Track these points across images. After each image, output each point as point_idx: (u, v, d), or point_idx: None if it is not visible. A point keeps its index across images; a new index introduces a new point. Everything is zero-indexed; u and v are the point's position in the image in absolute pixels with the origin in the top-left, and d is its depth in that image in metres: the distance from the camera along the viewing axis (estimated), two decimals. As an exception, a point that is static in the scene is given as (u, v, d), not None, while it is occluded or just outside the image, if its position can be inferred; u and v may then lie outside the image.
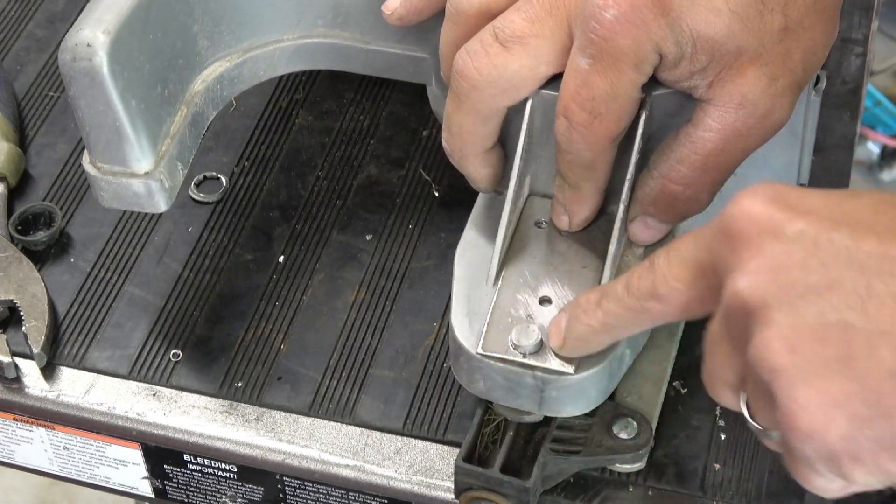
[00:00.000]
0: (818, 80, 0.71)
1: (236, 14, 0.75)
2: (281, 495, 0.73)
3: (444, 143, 0.68)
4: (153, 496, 0.77)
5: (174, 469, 0.74)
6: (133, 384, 0.74)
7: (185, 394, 0.74)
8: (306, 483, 0.72)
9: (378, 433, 0.71)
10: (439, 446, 0.71)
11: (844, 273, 0.50)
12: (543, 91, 0.65)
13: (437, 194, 0.82)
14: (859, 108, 0.86)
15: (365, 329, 0.76)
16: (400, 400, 0.73)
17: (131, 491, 0.77)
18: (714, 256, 0.54)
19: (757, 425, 0.55)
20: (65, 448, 0.76)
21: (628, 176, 0.65)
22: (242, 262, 0.79)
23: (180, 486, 0.75)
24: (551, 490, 0.68)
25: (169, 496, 0.76)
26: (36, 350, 0.74)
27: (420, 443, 0.71)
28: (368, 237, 0.80)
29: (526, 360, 0.63)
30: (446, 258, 0.78)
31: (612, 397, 0.67)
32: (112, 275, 0.79)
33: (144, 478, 0.76)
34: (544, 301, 0.65)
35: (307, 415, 0.72)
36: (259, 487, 0.73)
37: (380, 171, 0.84)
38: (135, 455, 0.74)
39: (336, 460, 0.71)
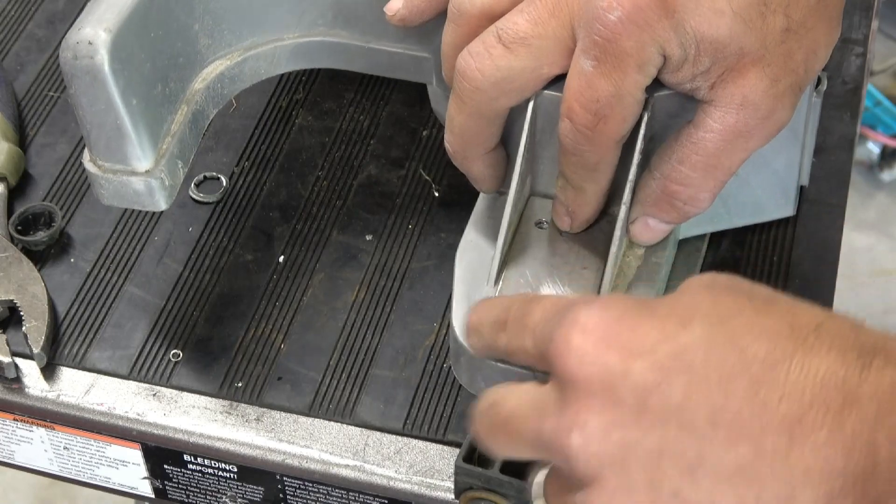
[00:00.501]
0: (819, 81, 0.71)
1: (237, 12, 0.75)
2: (281, 495, 0.73)
3: (446, 144, 0.68)
4: (153, 496, 0.77)
5: (174, 469, 0.74)
6: (133, 384, 0.74)
7: (185, 394, 0.74)
8: (306, 483, 0.72)
9: (378, 433, 0.71)
10: (439, 446, 0.71)
11: (677, 437, 0.50)
12: (546, 91, 0.65)
13: (437, 194, 0.82)
14: (859, 108, 0.86)
15: (365, 329, 0.76)
16: (400, 400, 0.73)
17: (131, 491, 0.77)
18: (546, 399, 0.53)
19: None
20: (65, 448, 0.76)
21: (630, 177, 0.65)
22: (242, 263, 0.79)
23: (180, 486, 0.75)
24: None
25: (169, 496, 0.76)
26: (36, 350, 0.74)
27: (420, 443, 0.71)
28: (368, 237, 0.80)
29: None
30: (446, 258, 0.78)
31: None
32: (112, 275, 0.79)
33: (144, 478, 0.76)
34: None
35: (307, 415, 0.72)
36: (259, 487, 0.73)
37: (380, 171, 0.84)
38: (135, 455, 0.74)
39: (336, 460, 0.71)
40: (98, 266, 0.79)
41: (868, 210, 2.04)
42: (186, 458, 0.73)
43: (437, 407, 0.72)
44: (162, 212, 0.77)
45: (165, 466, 0.74)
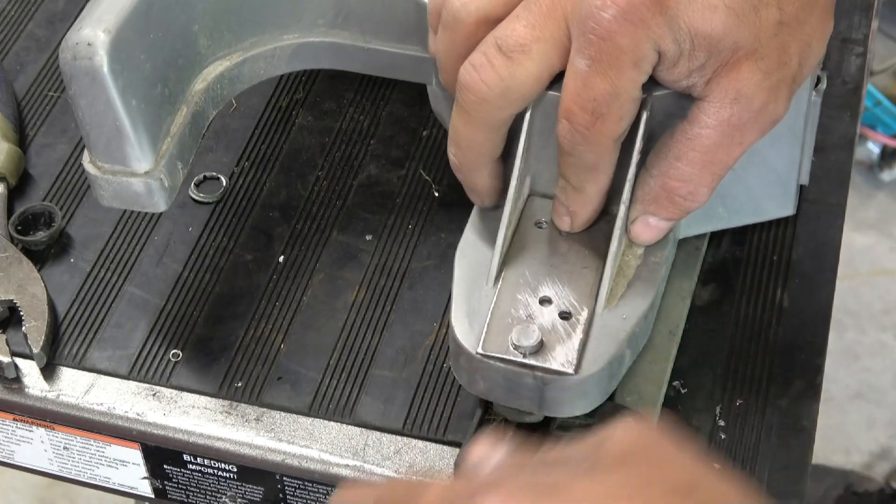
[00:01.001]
0: (819, 80, 0.71)
1: (237, 13, 0.75)
2: (281, 495, 0.73)
3: (451, 157, 0.68)
4: (153, 496, 0.77)
5: (174, 469, 0.74)
6: (133, 384, 0.74)
7: (185, 394, 0.74)
8: (306, 483, 0.72)
9: (378, 433, 0.71)
10: (439, 446, 0.71)
11: None
12: (544, 91, 0.65)
13: (437, 194, 0.82)
14: (859, 108, 0.86)
15: (365, 329, 0.76)
16: (400, 400, 0.73)
17: (131, 491, 0.77)
18: None
19: None
20: (65, 448, 0.76)
21: (629, 176, 0.65)
22: (242, 262, 0.79)
23: (180, 486, 0.75)
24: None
25: (169, 496, 0.76)
26: (36, 350, 0.74)
27: (420, 443, 0.71)
28: (368, 237, 0.80)
29: (526, 361, 0.63)
30: (446, 258, 0.78)
31: (611, 397, 0.67)
32: (112, 275, 0.79)
33: (144, 478, 0.76)
34: (545, 301, 0.65)
35: (307, 415, 0.72)
36: (259, 487, 0.73)
37: (380, 171, 0.84)
38: (135, 455, 0.74)
39: (336, 460, 0.71)
40: (98, 266, 0.79)
41: (868, 210, 2.04)
42: (186, 458, 0.73)
43: (436, 407, 0.72)
44: (162, 212, 0.77)
45: (165, 466, 0.74)
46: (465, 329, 0.65)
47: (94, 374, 0.75)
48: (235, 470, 0.73)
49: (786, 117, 0.64)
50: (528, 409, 0.65)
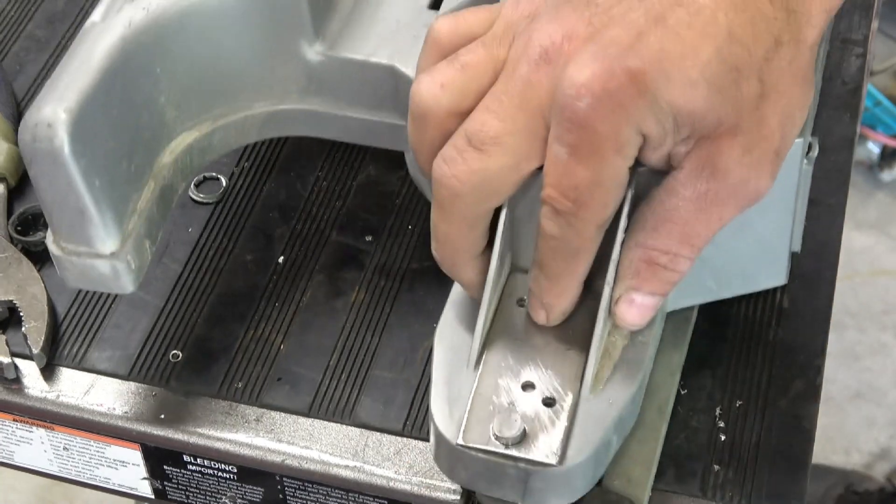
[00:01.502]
0: (810, 148, 0.68)
1: (206, 83, 0.72)
2: (281, 496, 0.73)
3: (433, 252, 0.65)
4: (153, 497, 0.77)
5: (174, 470, 0.74)
6: (133, 385, 0.74)
7: (184, 394, 0.73)
8: (306, 484, 0.72)
9: (378, 434, 0.71)
10: (439, 447, 0.71)
11: None
12: None
13: (436, 195, 0.82)
14: (859, 108, 0.86)
15: (365, 330, 0.76)
16: (400, 401, 0.73)
17: (131, 492, 0.77)
18: None
19: None
20: (64, 449, 0.76)
21: (613, 255, 0.62)
22: (242, 263, 0.79)
23: (180, 486, 0.75)
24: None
25: (169, 497, 0.76)
26: (35, 351, 0.74)
27: (420, 443, 0.71)
28: (368, 238, 0.80)
29: (508, 452, 0.61)
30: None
31: (599, 482, 0.65)
32: (112, 275, 0.79)
33: (144, 478, 0.76)
34: (527, 386, 0.63)
35: (307, 415, 0.72)
36: (259, 488, 0.73)
37: (380, 171, 0.83)
38: (134, 456, 0.74)
39: (336, 461, 0.71)
40: (98, 266, 0.79)
41: (868, 210, 2.04)
42: (186, 458, 0.73)
43: (436, 407, 0.72)
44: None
45: (165, 467, 0.74)
46: (446, 417, 0.62)
47: (94, 375, 0.75)
48: (235, 470, 0.73)
49: (777, 188, 0.62)
50: (512, 499, 0.63)
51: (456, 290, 0.68)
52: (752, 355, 0.74)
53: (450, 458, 0.63)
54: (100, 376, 0.75)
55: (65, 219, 0.66)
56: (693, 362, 0.73)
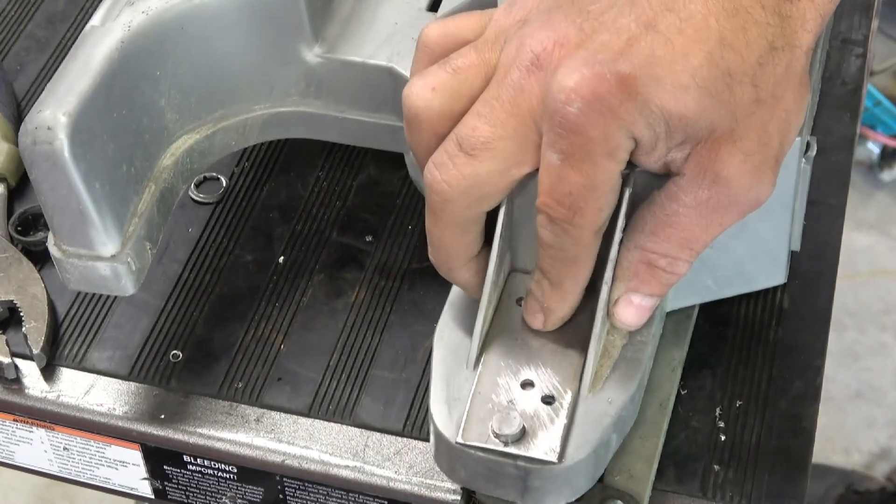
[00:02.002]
0: (808, 147, 0.68)
1: (206, 85, 0.73)
2: (281, 496, 0.73)
3: (430, 257, 0.66)
4: (153, 497, 0.77)
5: (174, 470, 0.74)
6: (133, 385, 0.74)
7: (184, 395, 0.73)
8: (306, 484, 0.72)
9: (378, 434, 0.71)
10: (439, 447, 0.71)
11: None
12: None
13: (437, 195, 0.82)
14: (859, 108, 0.86)
15: (365, 330, 0.76)
16: (400, 401, 0.73)
17: (131, 492, 0.77)
18: None
19: None
20: (65, 449, 0.76)
21: (611, 255, 0.62)
22: (242, 263, 0.79)
23: (180, 486, 0.75)
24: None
25: (169, 497, 0.76)
26: (36, 351, 0.74)
27: (420, 444, 0.71)
28: (368, 238, 0.80)
29: (508, 450, 0.61)
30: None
31: (600, 479, 0.65)
32: (112, 275, 0.79)
33: (144, 478, 0.76)
34: (526, 385, 0.63)
35: (307, 416, 0.72)
36: (259, 488, 0.73)
37: (380, 171, 0.83)
38: (135, 456, 0.74)
39: (336, 461, 0.71)
40: (98, 266, 0.79)
41: (868, 210, 2.04)
42: (186, 458, 0.73)
43: (436, 407, 0.72)
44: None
45: (165, 467, 0.74)
46: (445, 416, 0.63)
47: (94, 375, 0.75)
48: (235, 471, 0.73)
49: (776, 188, 0.62)
50: (512, 498, 0.63)
51: (455, 291, 0.68)
52: (752, 355, 0.74)
53: (449, 457, 0.63)
54: (100, 376, 0.75)
55: (65, 221, 0.66)
56: (693, 362, 0.73)
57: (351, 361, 0.74)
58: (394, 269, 0.78)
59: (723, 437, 0.71)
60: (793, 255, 0.75)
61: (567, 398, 0.63)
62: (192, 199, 0.82)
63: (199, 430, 0.72)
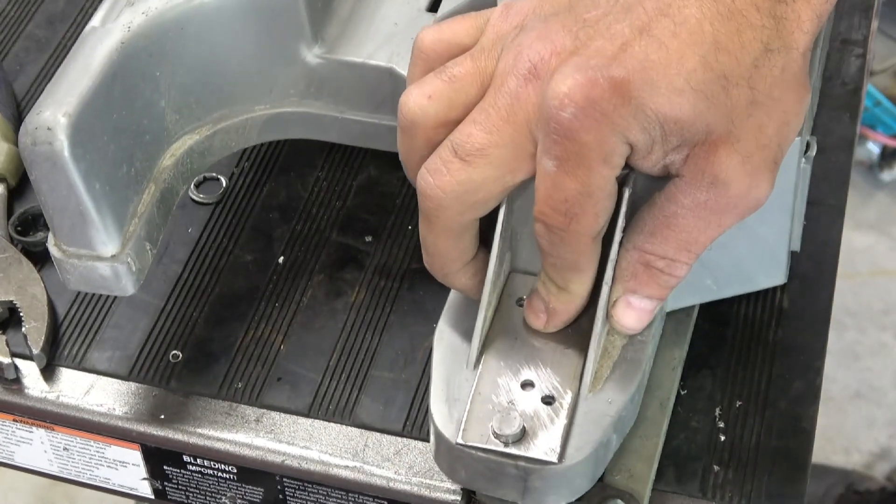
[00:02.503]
0: (808, 147, 0.68)
1: (206, 86, 0.73)
2: (280, 496, 0.73)
3: (425, 264, 0.66)
4: (153, 497, 0.77)
5: (174, 470, 0.74)
6: (133, 385, 0.74)
7: (184, 395, 0.74)
8: (306, 484, 0.72)
9: (378, 434, 0.71)
10: (439, 447, 0.71)
11: None
12: None
13: (436, 195, 0.82)
14: (859, 108, 0.86)
15: (365, 330, 0.76)
16: (400, 401, 0.73)
17: (131, 492, 0.77)
18: None
19: None
20: (64, 449, 0.76)
21: (611, 256, 0.62)
22: (242, 263, 0.79)
23: (180, 486, 0.75)
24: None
25: (169, 497, 0.76)
26: (36, 351, 0.74)
27: (420, 444, 0.71)
28: (368, 238, 0.80)
29: (508, 450, 0.61)
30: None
31: (600, 478, 0.65)
32: (112, 275, 0.79)
33: (144, 479, 0.76)
34: (526, 385, 0.63)
35: (307, 416, 0.72)
36: (259, 488, 0.73)
37: (380, 171, 0.83)
38: (134, 456, 0.74)
39: (336, 461, 0.71)
40: (98, 267, 0.79)
41: (868, 210, 2.04)
42: (186, 458, 0.73)
43: (436, 408, 0.72)
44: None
45: (165, 467, 0.74)
46: (445, 417, 0.63)
47: (94, 375, 0.75)
48: (235, 471, 0.73)
49: (776, 188, 0.62)
50: (512, 499, 0.63)
51: (455, 291, 0.68)
52: (752, 355, 0.74)
53: (450, 457, 0.63)
54: (100, 377, 0.75)
55: (65, 222, 0.66)
56: (693, 362, 0.73)
57: (351, 362, 0.74)
58: (393, 269, 0.78)
59: (722, 438, 0.71)
60: (793, 255, 0.75)
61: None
62: (192, 200, 0.82)
63: (198, 431, 0.72)
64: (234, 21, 0.71)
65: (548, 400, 0.63)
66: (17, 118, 0.86)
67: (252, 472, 0.72)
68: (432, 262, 0.65)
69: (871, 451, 1.79)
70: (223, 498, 0.75)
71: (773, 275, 0.72)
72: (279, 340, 0.76)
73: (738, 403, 0.72)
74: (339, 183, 0.83)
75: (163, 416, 0.73)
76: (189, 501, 0.76)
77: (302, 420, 0.72)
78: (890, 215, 2.04)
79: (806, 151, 0.68)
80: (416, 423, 0.72)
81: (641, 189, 0.62)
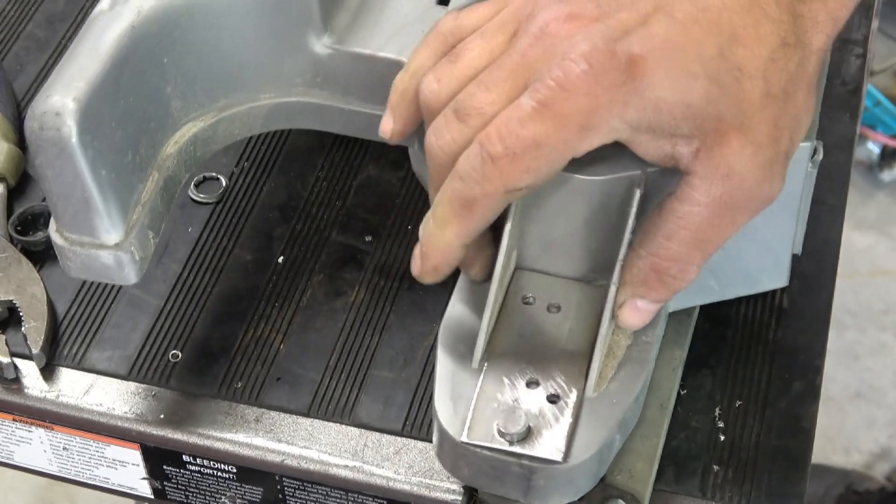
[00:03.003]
0: (815, 151, 0.68)
1: (212, 73, 0.72)
2: (280, 496, 0.73)
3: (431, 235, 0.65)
4: (152, 496, 0.77)
5: (173, 470, 0.74)
6: (132, 385, 0.74)
7: (184, 394, 0.73)
8: (305, 484, 0.72)
9: (377, 434, 0.71)
10: (439, 447, 0.71)
11: None
12: None
13: (436, 195, 0.82)
14: (859, 108, 0.86)
15: (364, 330, 0.76)
16: (399, 401, 0.73)
17: (131, 491, 0.77)
18: None
19: None
20: (64, 449, 0.76)
21: (620, 256, 0.62)
22: (242, 263, 0.79)
23: (179, 486, 0.75)
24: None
25: (168, 497, 0.76)
26: (35, 351, 0.74)
27: (420, 443, 0.71)
28: (368, 238, 0.80)
29: (512, 449, 0.61)
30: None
31: (602, 478, 0.66)
32: (111, 275, 0.79)
33: (144, 478, 0.76)
34: (532, 383, 0.63)
35: (306, 415, 0.72)
36: (258, 488, 0.73)
37: (380, 171, 0.83)
38: (134, 456, 0.74)
39: (335, 461, 0.71)
40: (97, 266, 0.79)
41: (868, 210, 2.04)
42: (185, 458, 0.73)
43: (436, 407, 0.72)
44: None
45: (164, 467, 0.74)
46: (450, 414, 0.63)
47: (94, 375, 0.75)
48: (235, 470, 0.73)
49: (782, 192, 0.62)
50: (515, 497, 0.63)
51: (460, 286, 0.68)
52: (752, 355, 0.74)
53: (453, 455, 0.63)
54: (100, 376, 0.75)
55: (69, 209, 0.66)
56: (693, 362, 0.73)
57: (350, 361, 0.74)
58: (393, 268, 0.78)
59: (722, 437, 0.71)
60: (793, 257, 0.75)
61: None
62: (192, 199, 0.82)
63: (198, 430, 0.72)
64: (244, 9, 0.71)
65: (553, 399, 0.63)
66: (18, 118, 0.86)
67: (251, 472, 0.72)
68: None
69: (871, 451, 1.79)
70: (223, 497, 0.75)
71: (776, 277, 0.72)
72: (279, 340, 0.76)
73: (738, 403, 0.72)
74: (339, 183, 0.83)
75: (162, 416, 0.73)
76: (189, 501, 0.76)
77: (301, 420, 0.72)
78: (890, 215, 2.04)
79: (813, 155, 0.68)
80: (415, 423, 0.72)
81: (650, 191, 0.62)
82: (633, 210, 0.62)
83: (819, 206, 0.79)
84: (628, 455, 0.67)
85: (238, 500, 0.74)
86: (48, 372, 0.75)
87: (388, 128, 0.68)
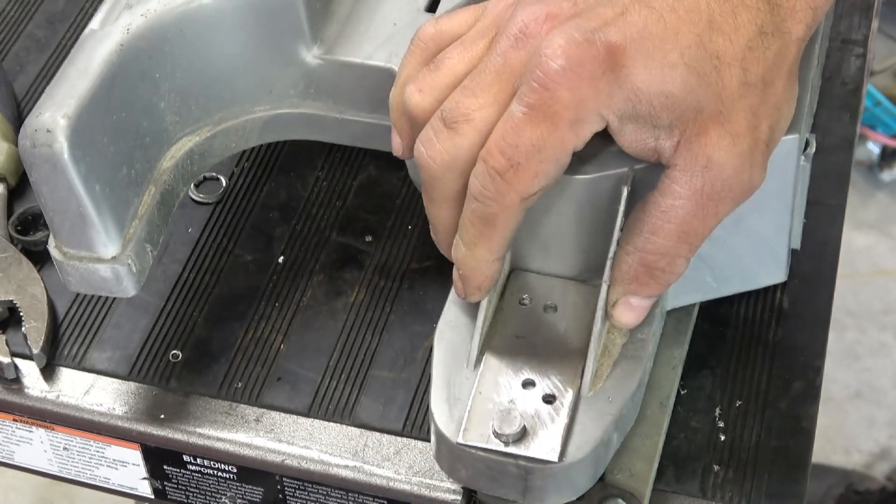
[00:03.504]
0: (808, 144, 0.68)
1: (205, 88, 0.73)
2: (280, 496, 0.73)
3: (432, 237, 0.66)
4: (153, 497, 0.77)
5: (174, 470, 0.74)
6: (133, 385, 0.74)
7: (184, 394, 0.73)
8: (306, 484, 0.72)
9: (377, 434, 0.71)
10: (439, 447, 0.71)
11: None
12: None
13: (436, 195, 0.82)
14: (859, 108, 0.86)
15: (364, 330, 0.76)
16: (399, 401, 0.73)
17: (131, 491, 0.77)
18: None
19: None
20: (64, 449, 0.76)
21: (610, 254, 0.62)
22: (242, 263, 0.79)
23: (180, 486, 0.75)
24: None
25: (168, 497, 0.76)
26: (35, 351, 0.74)
27: (420, 444, 0.71)
28: (368, 238, 0.80)
29: (509, 449, 0.61)
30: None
31: (601, 477, 0.65)
32: (112, 275, 0.79)
33: (144, 478, 0.76)
34: (527, 384, 0.63)
35: (306, 416, 0.72)
36: (258, 488, 0.73)
37: (380, 171, 0.83)
38: (134, 456, 0.74)
39: (335, 461, 0.71)
40: (98, 266, 0.79)
41: (868, 210, 2.04)
42: (186, 458, 0.73)
43: (436, 407, 0.72)
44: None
45: (165, 467, 0.74)
46: (446, 416, 0.63)
47: (94, 375, 0.75)
48: (235, 470, 0.73)
49: (774, 184, 0.62)
50: (513, 498, 0.63)
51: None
52: (752, 355, 0.74)
53: (450, 457, 0.63)
54: (100, 376, 0.75)
55: (66, 224, 0.67)
56: (693, 362, 0.73)
57: (350, 361, 0.74)
58: (393, 269, 0.78)
59: (722, 437, 0.71)
60: (793, 255, 0.75)
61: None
62: (192, 200, 0.82)
63: (198, 430, 0.72)
64: (233, 22, 0.71)
65: (548, 399, 0.63)
66: (17, 118, 0.86)
67: (252, 472, 0.72)
68: (437, 234, 0.65)
69: (871, 451, 1.79)
70: (223, 497, 0.75)
71: (774, 272, 0.72)
72: (279, 340, 0.76)
73: (738, 403, 0.72)
74: (339, 183, 0.83)
75: (163, 416, 0.73)
76: (189, 501, 0.76)
77: (302, 420, 0.72)
78: (890, 215, 2.04)
79: (805, 149, 0.68)
80: (415, 423, 0.72)
81: (637, 187, 0.62)
82: (622, 208, 0.62)
83: (819, 207, 0.79)
84: (628, 454, 0.67)
85: (238, 500, 0.74)
86: (48, 372, 0.75)
87: (397, 145, 0.68)
